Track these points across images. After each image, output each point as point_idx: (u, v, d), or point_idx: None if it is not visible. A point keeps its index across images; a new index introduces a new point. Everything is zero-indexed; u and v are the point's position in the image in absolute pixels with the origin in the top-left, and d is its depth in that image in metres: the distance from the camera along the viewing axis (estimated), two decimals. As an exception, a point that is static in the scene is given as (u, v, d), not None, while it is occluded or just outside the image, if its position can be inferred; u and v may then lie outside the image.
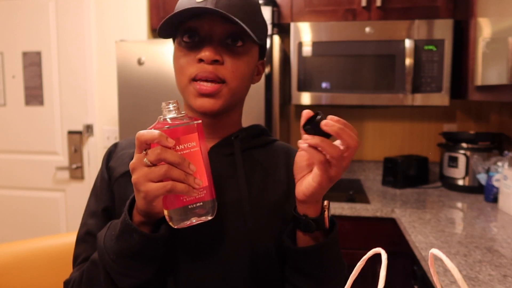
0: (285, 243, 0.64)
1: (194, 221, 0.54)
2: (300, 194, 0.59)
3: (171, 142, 0.50)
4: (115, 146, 0.77)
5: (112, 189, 0.72)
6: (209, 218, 0.55)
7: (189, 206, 0.53)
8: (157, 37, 2.15)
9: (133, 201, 0.58)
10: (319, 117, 0.52)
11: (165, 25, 0.63)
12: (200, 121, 0.54)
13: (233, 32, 0.64)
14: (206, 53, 0.61)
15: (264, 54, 0.74)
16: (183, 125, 0.52)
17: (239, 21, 0.59)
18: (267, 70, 1.64)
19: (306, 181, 0.57)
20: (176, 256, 0.65)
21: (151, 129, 0.52)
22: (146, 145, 0.51)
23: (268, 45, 1.61)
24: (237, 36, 0.64)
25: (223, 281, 0.65)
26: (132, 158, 0.72)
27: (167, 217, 0.54)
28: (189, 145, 0.52)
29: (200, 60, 0.62)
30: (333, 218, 0.63)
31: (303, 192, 0.58)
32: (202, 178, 0.53)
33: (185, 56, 0.64)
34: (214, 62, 0.62)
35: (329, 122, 0.51)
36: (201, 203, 0.54)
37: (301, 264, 0.63)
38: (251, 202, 0.68)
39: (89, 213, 0.74)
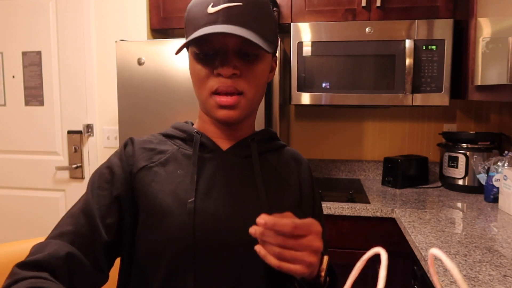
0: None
1: None
2: None
3: None
4: (131, 140, 0.76)
5: (133, 181, 0.70)
6: None
7: None
8: (157, 37, 2.15)
9: None
10: None
11: (181, 49, 0.65)
12: None
13: (246, 44, 0.65)
14: (224, 70, 0.64)
15: (276, 51, 0.75)
16: None
17: (253, 40, 0.61)
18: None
19: None
20: (196, 256, 0.65)
21: None
22: None
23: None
24: (250, 47, 0.66)
25: (240, 283, 0.66)
26: (148, 156, 0.71)
27: None
28: None
29: (219, 74, 0.65)
30: (335, 274, 0.63)
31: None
32: None
33: (203, 69, 0.67)
34: (232, 75, 0.65)
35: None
36: None
37: None
38: (270, 204, 0.69)
39: (83, 203, 0.69)
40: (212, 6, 0.64)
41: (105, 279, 0.68)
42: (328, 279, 0.61)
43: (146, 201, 0.69)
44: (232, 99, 0.65)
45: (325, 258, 0.61)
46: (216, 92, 0.66)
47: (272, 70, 0.76)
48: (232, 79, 0.65)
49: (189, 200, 0.67)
